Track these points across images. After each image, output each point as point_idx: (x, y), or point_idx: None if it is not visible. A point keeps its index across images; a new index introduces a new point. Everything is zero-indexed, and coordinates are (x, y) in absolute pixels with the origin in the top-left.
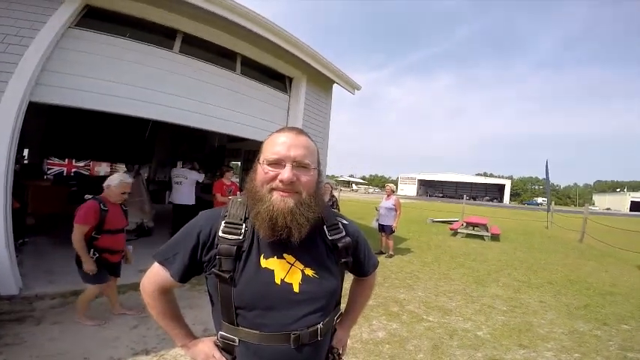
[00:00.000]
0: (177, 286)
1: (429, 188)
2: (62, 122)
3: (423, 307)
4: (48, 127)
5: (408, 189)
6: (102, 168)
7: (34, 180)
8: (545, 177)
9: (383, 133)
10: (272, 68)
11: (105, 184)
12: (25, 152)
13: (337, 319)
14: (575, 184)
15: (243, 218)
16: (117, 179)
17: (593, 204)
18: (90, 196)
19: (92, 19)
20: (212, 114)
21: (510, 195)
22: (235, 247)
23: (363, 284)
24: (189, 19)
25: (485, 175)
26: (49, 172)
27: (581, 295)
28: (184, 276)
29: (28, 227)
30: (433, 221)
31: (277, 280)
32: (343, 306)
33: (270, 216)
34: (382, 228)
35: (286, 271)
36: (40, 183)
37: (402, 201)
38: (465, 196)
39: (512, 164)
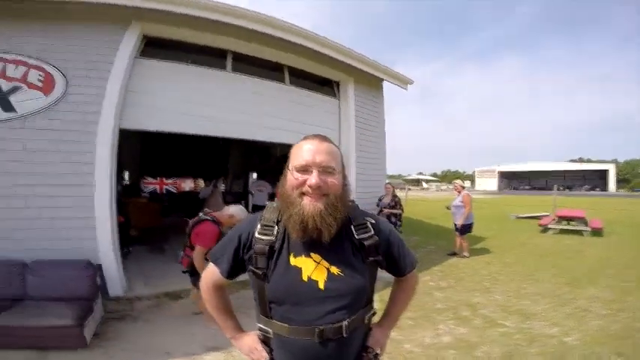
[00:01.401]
0: (228, 282)
1: (513, 180)
2: (153, 145)
3: (499, 312)
4: (142, 150)
5: (488, 183)
6: (186, 184)
7: (134, 197)
8: None
9: (453, 126)
10: (318, 75)
11: (228, 214)
12: (126, 174)
13: (370, 318)
14: None
15: (275, 221)
16: (241, 213)
17: None
18: (206, 217)
19: (153, 47)
20: (268, 126)
21: (617, 181)
22: (268, 247)
23: (401, 284)
24: (236, 39)
25: (581, 160)
26: (145, 189)
27: None
28: (231, 273)
29: (132, 238)
30: (518, 217)
31: (304, 278)
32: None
33: (302, 219)
34: (456, 227)
35: (313, 269)
36: (139, 200)
37: (481, 197)
38: (555, 186)
39: (616, 146)
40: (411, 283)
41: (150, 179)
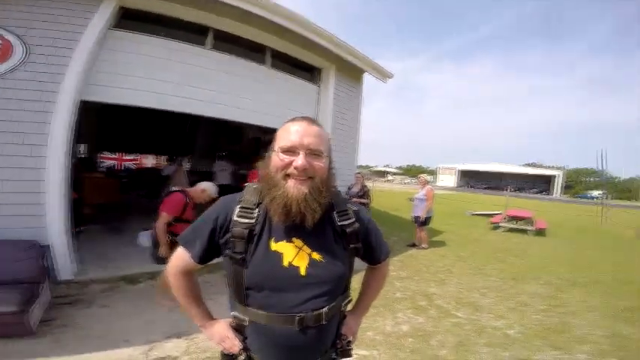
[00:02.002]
0: (198, 267)
1: (471, 179)
2: (112, 119)
3: (452, 303)
4: (100, 123)
5: (448, 180)
6: (148, 160)
7: (89, 172)
8: (602, 168)
9: (421, 123)
10: (300, 60)
11: (200, 188)
12: (82, 147)
13: (346, 305)
14: (639, 176)
15: (256, 203)
16: (213, 189)
17: None
18: (177, 189)
19: (128, 20)
20: (245, 107)
21: (562, 187)
22: (247, 231)
23: (375, 273)
24: (219, 16)
25: (534, 165)
26: (101, 165)
27: (631, 297)
28: (204, 258)
29: (85, 216)
30: (472, 214)
31: (285, 263)
32: (354, 294)
33: (285, 202)
34: (415, 219)
35: (294, 255)
36: (95, 175)
37: (440, 192)
38: (509, 187)
39: (566, 154)
40: (384, 272)
41: (108, 154)
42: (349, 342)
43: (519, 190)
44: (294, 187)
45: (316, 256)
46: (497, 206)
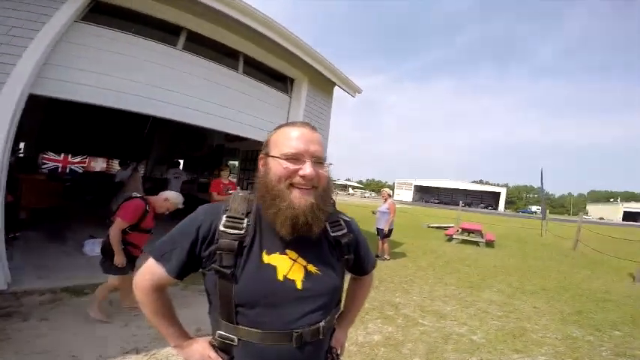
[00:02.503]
0: (173, 282)
1: (425, 194)
2: (60, 116)
3: (418, 311)
4: (45, 120)
5: (405, 194)
6: (98, 164)
7: (29, 174)
8: (540, 185)
9: (380, 139)
10: (274, 69)
11: (164, 197)
12: (21, 145)
13: (338, 317)
14: (570, 193)
15: (245, 213)
16: (178, 199)
17: (587, 213)
18: (137, 195)
19: (98, 13)
20: (213, 112)
21: (505, 203)
22: (237, 242)
23: (361, 283)
24: (194, 16)
25: (481, 182)
26: (43, 166)
27: (574, 302)
28: (181, 272)
29: (21, 221)
30: (429, 226)
31: (280, 277)
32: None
33: (292, 214)
34: (378, 231)
35: (289, 268)
36: (35, 177)
37: (398, 206)
38: (460, 202)
39: (508, 172)
40: (369, 282)
41: (51, 155)
42: (338, 355)
43: (469, 205)
44: (300, 198)
45: (312, 268)
46: (451, 219)
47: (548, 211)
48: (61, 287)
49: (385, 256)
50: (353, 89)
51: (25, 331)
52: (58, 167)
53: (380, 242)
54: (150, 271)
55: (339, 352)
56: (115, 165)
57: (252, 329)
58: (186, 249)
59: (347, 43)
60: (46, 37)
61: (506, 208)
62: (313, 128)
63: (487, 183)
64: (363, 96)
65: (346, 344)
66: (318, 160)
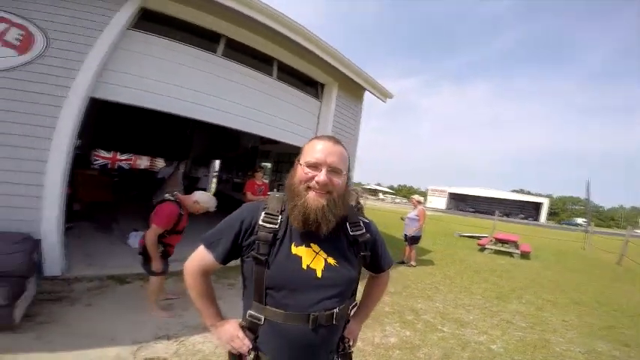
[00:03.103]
0: (218, 268)
1: (460, 202)
2: (111, 117)
3: (439, 318)
4: (97, 120)
5: (438, 202)
6: (142, 162)
7: (83, 169)
8: (585, 197)
9: (414, 143)
10: (305, 74)
11: (194, 199)
12: (77, 143)
13: (352, 309)
14: (622, 206)
15: (280, 210)
16: (209, 202)
17: None
18: (170, 197)
19: (146, 21)
20: (249, 116)
21: (548, 214)
22: (272, 235)
23: (377, 281)
24: (232, 24)
25: (521, 192)
26: (95, 162)
27: (608, 317)
28: (226, 259)
29: (75, 213)
30: (461, 235)
31: (304, 266)
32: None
33: (304, 211)
34: (406, 238)
35: (312, 259)
36: (88, 172)
37: (430, 213)
38: (496, 212)
39: (552, 182)
40: (385, 280)
41: (102, 152)
42: (350, 345)
43: (507, 215)
44: (313, 199)
45: (331, 260)
46: (485, 229)
47: (593, 223)
48: (107, 275)
49: (411, 262)
50: (383, 94)
51: (72, 314)
52: (107, 164)
53: (407, 248)
54: (200, 257)
55: (351, 343)
56: (158, 163)
57: (277, 310)
58: (230, 239)
59: (383, 42)
60: (104, 44)
61: (548, 219)
62: (337, 142)
63: (528, 193)
64: (396, 100)
65: (362, 344)
66: (335, 170)
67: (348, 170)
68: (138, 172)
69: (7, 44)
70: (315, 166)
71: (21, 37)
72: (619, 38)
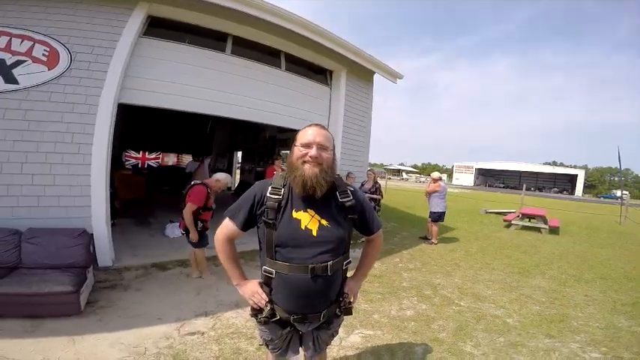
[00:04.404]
0: (240, 234)
1: (489, 178)
2: (137, 119)
3: (456, 293)
4: (126, 123)
5: (465, 178)
6: (170, 158)
7: (118, 169)
8: (618, 166)
9: (438, 121)
10: (313, 63)
11: (215, 178)
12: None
13: (347, 265)
14: None
15: (282, 185)
16: (227, 179)
17: None
18: (198, 181)
19: (156, 27)
20: (262, 108)
21: (584, 187)
22: (277, 204)
23: (370, 244)
24: (238, 24)
25: (554, 164)
26: (127, 162)
27: (634, 293)
28: (245, 226)
29: (116, 210)
30: (487, 212)
31: (302, 227)
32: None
33: (303, 179)
34: (430, 214)
35: (308, 221)
36: (123, 172)
37: (456, 191)
38: (524, 186)
39: (588, 154)
40: (378, 243)
41: (132, 152)
42: (350, 302)
43: (539, 189)
44: (309, 169)
45: (324, 222)
46: (515, 205)
47: (629, 195)
48: (150, 263)
49: (432, 240)
50: (393, 75)
51: (125, 299)
52: (138, 163)
53: (429, 225)
54: (225, 226)
55: (351, 299)
56: (184, 159)
57: (284, 263)
58: (247, 209)
59: (404, 16)
60: (122, 53)
61: (585, 192)
62: (323, 127)
63: (561, 165)
64: (418, 77)
65: (378, 316)
66: (323, 147)
67: (334, 148)
68: (167, 169)
69: (37, 60)
70: (307, 145)
71: (47, 53)
72: None
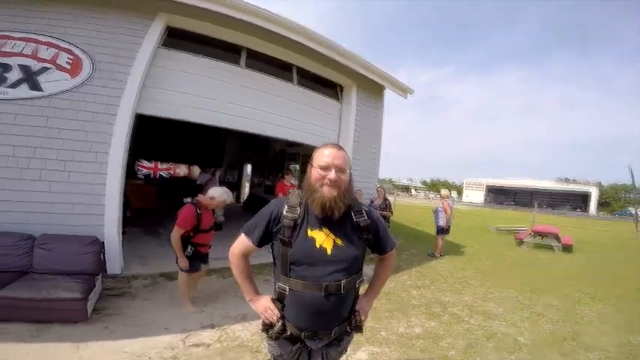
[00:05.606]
0: (256, 250)
1: (500, 195)
2: (149, 129)
3: (466, 311)
4: (138, 132)
5: (474, 195)
6: (181, 169)
7: (130, 179)
8: (632, 183)
9: (447, 136)
10: (324, 77)
11: (209, 196)
12: None
13: (359, 284)
14: None
15: (298, 203)
16: (223, 196)
17: None
18: (189, 200)
19: (173, 38)
20: (274, 122)
21: (598, 204)
22: (293, 222)
23: (383, 263)
24: (252, 36)
25: (567, 180)
26: (139, 172)
27: None
28: (260, 242)
29: (127, 219)
30: (498, 229)
31: (317, 245)
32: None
33: (322, 201)
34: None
35: (323, 239)
36: (135, 182)
37: (466, 208)
38: (536, 204)
39: (602, 170)
40: (390, 261)
41: (145, 163)
42: (361, 320)
43: (551, 207)
44: (328, 192)
45: (339, 241)
46: (526, 222)
47: None
48: (158, 273)
49: (435, 253)
50: (404, 90)
51: (133, 307)
52: (150, 173)
53: (436, 239)
54: (241, 242)
55: (362, 317)
56: (195, 170)
57: (298, 281)
58: (263, 226)
59: (411, 31)
60: (141, 63)
61: (599, 210)
62: (340, 148)
63: (574, 181)
64: (427, 91)
65: (386, 334)
66: (341, 169)
67: (350, 169)
68: (178, 180)
69: (61, 68)
70: (326, 168)
71: (70, 61)
72: None
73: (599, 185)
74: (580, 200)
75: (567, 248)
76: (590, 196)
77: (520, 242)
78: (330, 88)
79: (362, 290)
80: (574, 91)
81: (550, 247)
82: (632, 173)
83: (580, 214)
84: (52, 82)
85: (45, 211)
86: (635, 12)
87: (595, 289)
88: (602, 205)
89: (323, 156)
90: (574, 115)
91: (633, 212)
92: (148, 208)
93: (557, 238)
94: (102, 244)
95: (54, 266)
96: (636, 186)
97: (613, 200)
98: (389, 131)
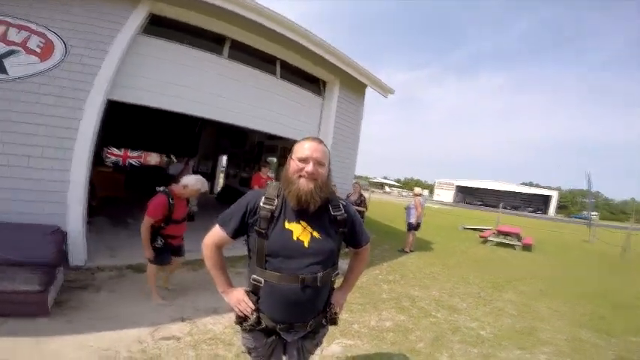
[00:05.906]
0: (230, 242)
1: (468, 195)
2: (121, 115)
3: (433, 305)
4: (108, 118)
5: (445, 195)
6: (152, 158)
7: (97, 166)
8: (588, 189)
9: (421, 136)
10: (307, 72)
11: (182, 184)
12: None
13: (335, 277)
14: (633, 199)
15: (276, 195)
16: (198, 184)
17: None
18: (161, 189)
19: (155, 26)
20: (254, 114)
21: (557, 207)
22: (270, 214)
23: (357, 257)
24: (237, 27)
25: (530, 184)
26: (107, 160)
27: (600, 307)
28: (236, 234)
29: (92, 208)
30: (465, 228)
31: (294, 238)
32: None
33: (298, 193)
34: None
35: (300, 232)
36: (102, 169)
37: (436, 207)
38: (501, 204)
39: (563, 175)
40: (365, 255)
41: (114, 150)
42: (336, 312)
43: (515, 208)
44: (304, 184)
45: (316, 234)
46: (491, 222)
47: (597, 216)
48: (125, 265)
49: (405, 249)
50: (385, 90)
51: (97, 300)
52: (119, 161)
53: (407, 235)
54: (215, 233)
55: (337, 310)
56: (167, 159)
57: (274, 273)
58: (239, 218)
59: (391, 32)
60: (117, 49)
61: (557, 212)
62: (320, 142)
63: (537, 185)
64: (403, 92)
65: (358, 327)
66: (319, 163)
67: (329, 163)
68: (149, 168)
69: (30, 51)
70: (304, 160)
71: (42, 45)
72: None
73: (559, 190)
74: (541, 202)
75: (527, 247)
76: (551, 199)
77: (484, 240)
78: (312, 83)
79: (337, 284)
80: (545, 97)
81: (512, 246)
82: (589, 179)
83: (540, 215)
84: (19, 65)
85: (6, 197)
86: (600, 26)
87: (551, 286)
88: (561, 208)
89: (303, 149)
90: (543, 123)
91: (587, 216)
92: (115, 196)
93: (518, 237)
94: (64, 234)
95: (8, 256)
96: (591, 191)
97: (571, 204)
98: (367, 130)
